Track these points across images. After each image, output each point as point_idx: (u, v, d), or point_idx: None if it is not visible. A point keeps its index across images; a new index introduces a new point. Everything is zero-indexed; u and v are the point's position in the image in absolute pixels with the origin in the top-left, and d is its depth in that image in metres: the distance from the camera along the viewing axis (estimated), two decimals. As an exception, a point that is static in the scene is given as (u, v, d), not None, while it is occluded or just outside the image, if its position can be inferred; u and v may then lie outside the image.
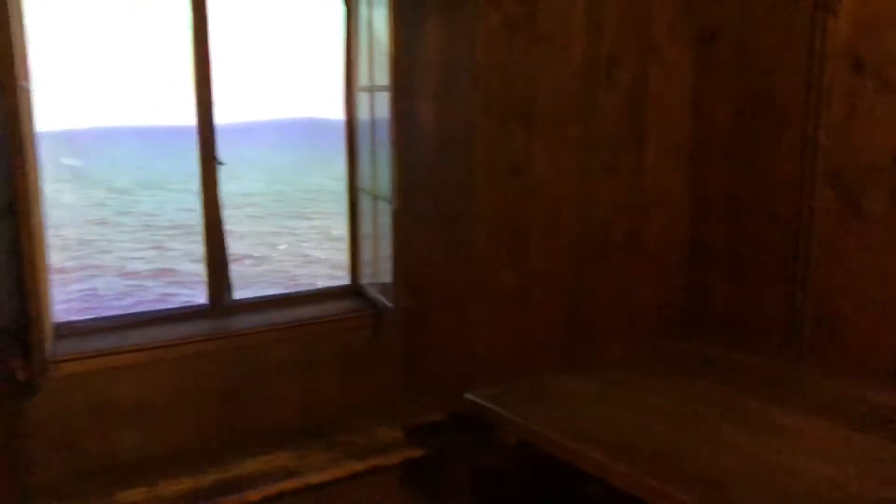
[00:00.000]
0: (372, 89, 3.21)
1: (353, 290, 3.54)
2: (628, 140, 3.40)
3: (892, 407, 2.39)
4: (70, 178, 30.28)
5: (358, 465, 2.88)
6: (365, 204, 3.44)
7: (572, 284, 3.35)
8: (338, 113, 3.52)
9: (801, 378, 2.70)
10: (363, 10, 3.24)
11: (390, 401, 3.36)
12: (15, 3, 2.38)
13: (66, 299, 11.14)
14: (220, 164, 3.09)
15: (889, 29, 2.78)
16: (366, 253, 3.49)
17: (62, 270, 13.68)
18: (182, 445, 2.94)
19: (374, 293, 3.33)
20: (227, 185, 3.25)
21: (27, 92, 2.46)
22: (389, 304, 3.16)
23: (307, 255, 16.92)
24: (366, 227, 3.47)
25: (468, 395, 2.55)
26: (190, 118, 3.04)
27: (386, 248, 3.16)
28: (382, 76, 3.04)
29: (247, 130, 58.70)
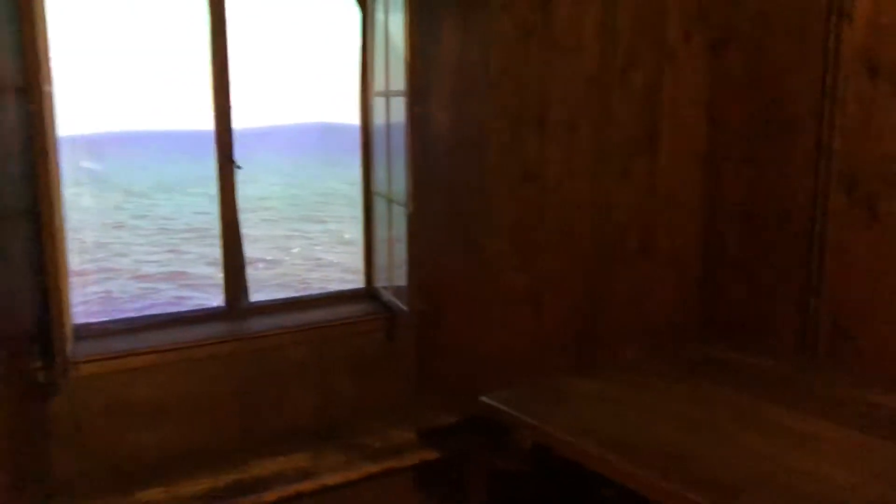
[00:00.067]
0: (388, 94, 3.23)
1: (367, 294, 3.56)
2: (642, 144, 3.41)
3: (906, 412, 2.38)
4: (89, 182, 30.52)
5: (372, 467, 2.89)
6: (380, 208, 3.47)
7: (586, 288, 3.36)
8: (353, 117, 3.56)
9: (815, 382, 2.69)
10: (379, 15, 3.27)
11: (404, 403, 3.38)
12: (38, 8, 2.42)
13: (81, 301, 11.23)
14: (238, 167, 3.13)
15: (904, 34, 2.78)
16: (380, 256, 3.52)
17: (79, 273, 13.79)
18: (199, 446, 2.97)
19: (389, 296, 3.36)
20: (244, 189, 3.28)
21: (50, 96, 2.50)
22: (404, 308, 3.18)
23: (319, 259, 16.97)
24: (380, 231, 3.49)
25: (484, 398, 2.56)
26: (208, 123, 3.07)
27: (400, 252, 3.18)
28: (398, 81, 3.06)
29: (264, 135, 59.02)
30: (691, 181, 3.55)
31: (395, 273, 3.34)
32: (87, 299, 11.99)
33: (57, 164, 2.61)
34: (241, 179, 3.18)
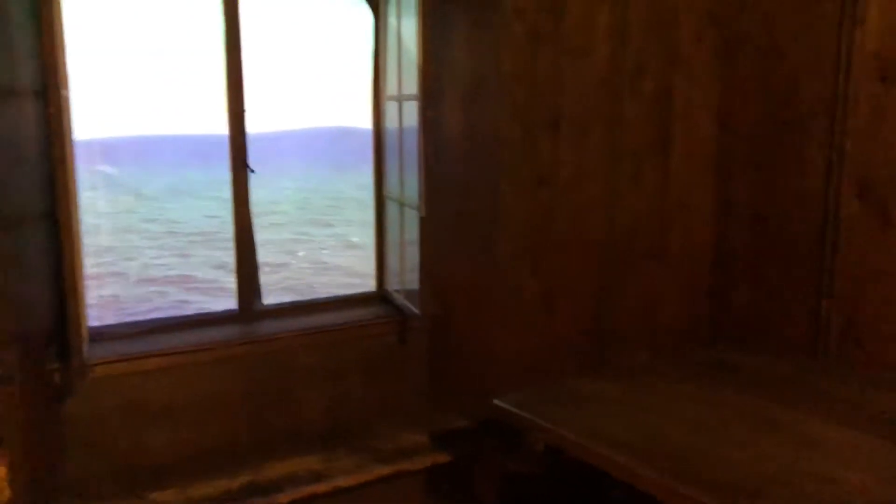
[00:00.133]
0: (400, 98, 3.25)
1: (379, 297, 3.58)
2: (653, 148, 3.41)
3: (920, 415, 2.38)
4: (103, 186, 30.71)
5: (384, 470, 2.91)
6: (392, 211, 3.49)
7: (597, 291, 3.36)
8: (366, 121, 3.58)
9: (827, 385, 2.69)
10: (392, 20, 3.29)
11: (416, 406, 3.39)
12: (56, 12, 2.45)
13: (88, 304, 11.26)
14: (252, 171, 3.15)
15: (917, 37, 2.78)
16: (392, 260, 3.53)
17: (89, 276, 13.82)
18: (212, 448, 2.99)
19: (401, 300, 3.37)
20: (256, 193, 3.30)
21: (67, 100, 2.53)
22: (416, 311, 3.20)
23: (325, 263, 16.98)
24: (392, 235, 3.51)
25: (496, 401, 2.57)
26: (222, 127, 3.10)
27: (412, 255, 3.20)
28: (410, 85, 3.08)
29: (277, 139, 59.21)
30: (702, 184, 3.55)
31: (406, 276, 3.35)
32: (93, 302, 12.02)
33: (73, 169, 2.63)
34: (254, 184, 3.20)
